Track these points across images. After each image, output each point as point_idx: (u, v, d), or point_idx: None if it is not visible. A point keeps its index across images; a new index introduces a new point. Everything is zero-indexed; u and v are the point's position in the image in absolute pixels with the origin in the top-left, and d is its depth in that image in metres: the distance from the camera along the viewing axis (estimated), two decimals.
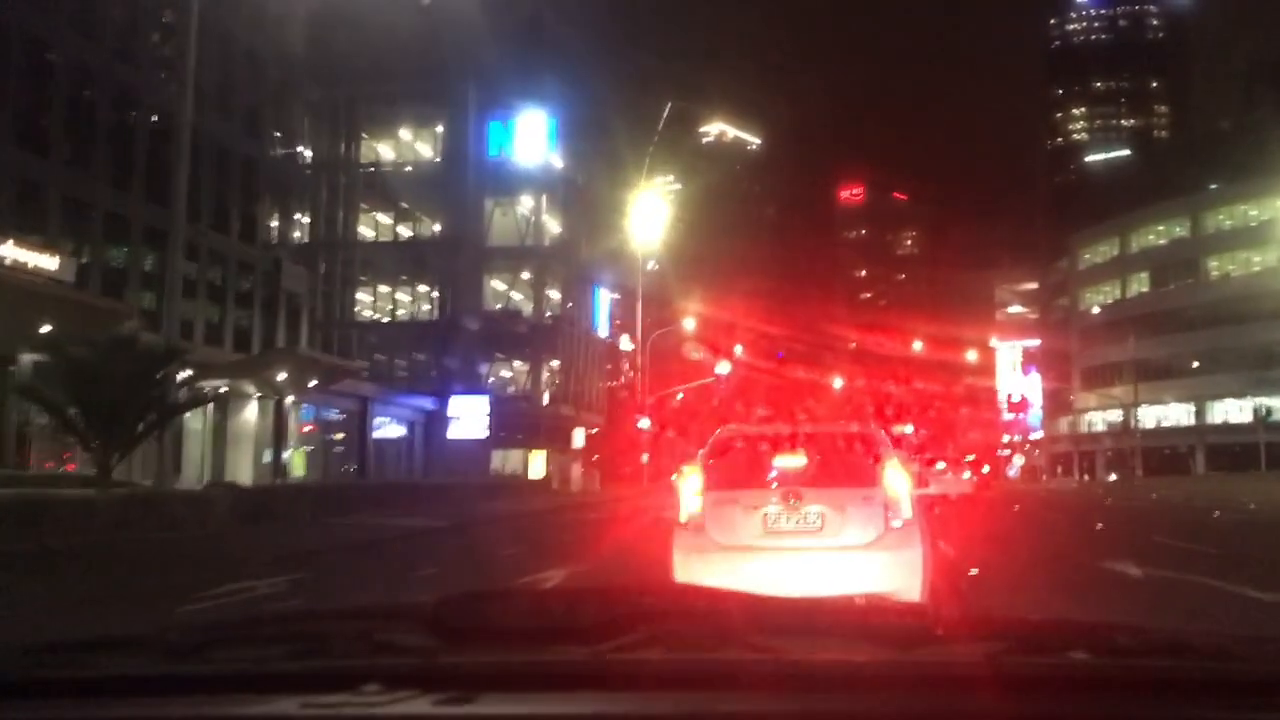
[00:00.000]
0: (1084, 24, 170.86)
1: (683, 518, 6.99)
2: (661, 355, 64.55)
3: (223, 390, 32.72)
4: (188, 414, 31.28)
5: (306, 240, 51.74)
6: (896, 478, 6.80)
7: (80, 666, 1.53)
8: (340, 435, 43.25)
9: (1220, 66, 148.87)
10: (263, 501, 21.32)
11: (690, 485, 7.08)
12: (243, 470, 34.46)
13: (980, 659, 1.36)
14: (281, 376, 32.85)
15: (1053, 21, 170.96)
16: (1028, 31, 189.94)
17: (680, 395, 64.41)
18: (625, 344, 60.88)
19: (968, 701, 1.27)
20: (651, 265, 77.37)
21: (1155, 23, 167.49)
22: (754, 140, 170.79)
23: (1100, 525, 18.56)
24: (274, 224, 50.20)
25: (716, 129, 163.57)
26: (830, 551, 6.51)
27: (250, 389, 34.42)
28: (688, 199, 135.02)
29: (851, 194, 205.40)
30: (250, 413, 35.22)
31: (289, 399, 35.98)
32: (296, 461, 41.66)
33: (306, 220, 51.86)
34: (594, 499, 39.26)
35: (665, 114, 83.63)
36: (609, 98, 58.10)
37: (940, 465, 33.27)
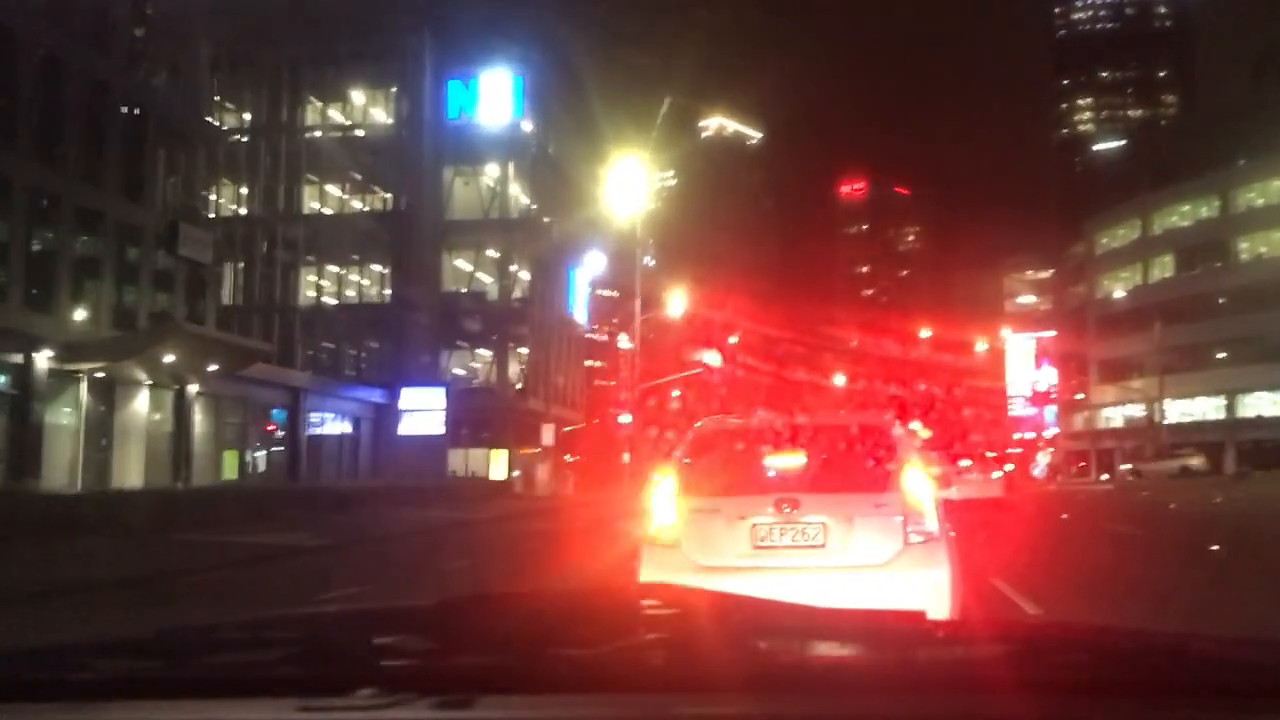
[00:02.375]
0: (1090, 13, 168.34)
1: (652, 530, 5.85)
2: (655, 350, 59.80)
3: (99, 375, 27.26)
4: (48, 405, 25.92)
5: (244, 214, 46.51)
6: (918, 481, 5.71)
7: (77, 669, 1.49)
8: (267, 431, 37.70)
9: (1228, 55, 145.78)
10: (67, 513, 15.80)
11: (662, 490, 5.92)
12: (132, 472, 28.95)
13: (981, 661, 1.35)
14: (169, 358, 27.38)
15: (1058, 10, 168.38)
16: (1033, 21, 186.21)
17: (677, 393, 59.68)
18: (624, 343, 55.97)
19: (969, 704, 1.26)
20: (648, 261, 73.08)
21: (1162, 10, 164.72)
22: (754, 134, 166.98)
23: (1216, 546, 13.05)
24: (217, 195, 45.95)
25: (715, 123, 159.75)
26: (835, 572, 5.43)
27: (140, 375, 28.93)
28: (685, 194, 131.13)
29: (853, 189, 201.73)
30: (141, 404, 29.69)
31: (192, 388, 30.59)
32: (227, 462, 36.57)
33: (244, 192, 46.66)
34: (556, 504, 33.84)
35: (664, 109, 78.53)
36: (585, 58, 52.59)
37: (965, 463, 27.57)
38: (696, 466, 6.13)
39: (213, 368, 29.06)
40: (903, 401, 76.21)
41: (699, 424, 6.70)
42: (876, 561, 5.47)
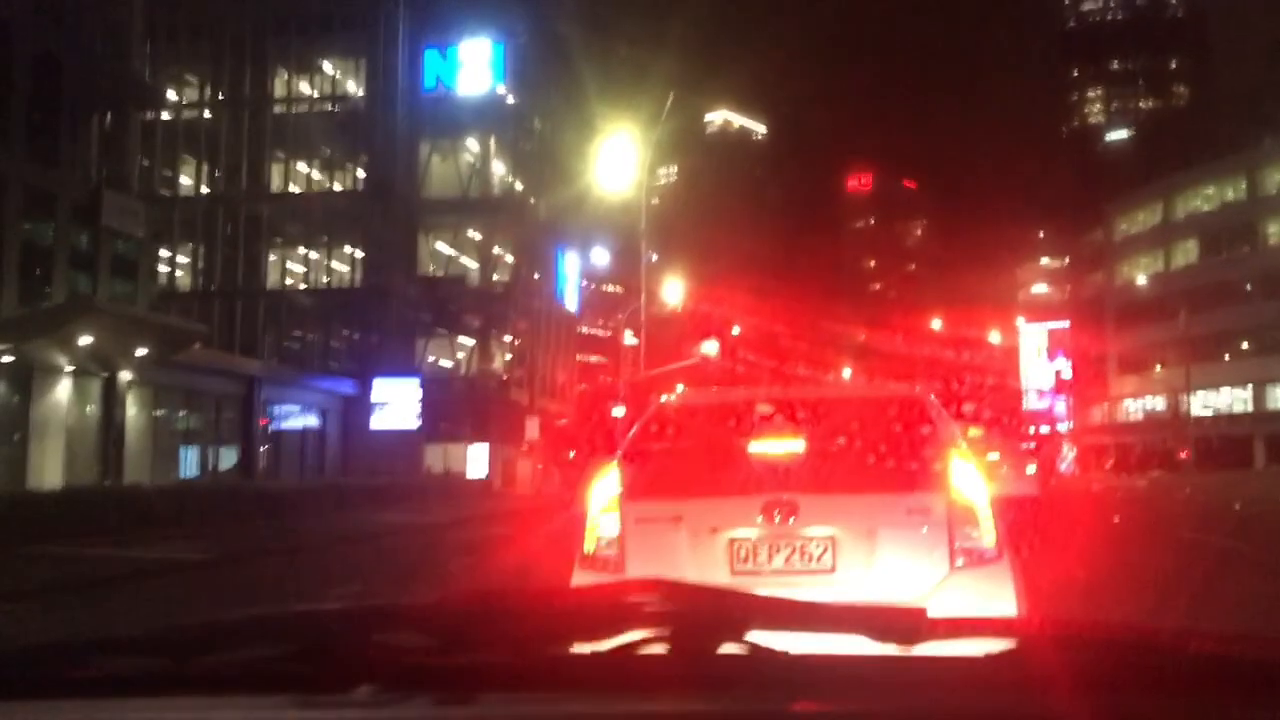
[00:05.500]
0: (1100, 2, 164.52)
1: (588, 547, 4.38)
2: (657, 346, 56.91)
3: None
4: None
5: (205, 192, 43.32)
6: (968, 475, 4.24)
7: (78, 666, 1.46)
8: (218, 426, 34.42)
9: (1242, 43, 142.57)
10: None
11: (602, 493, 4.44)
12: (51, 469, 25.72)
13: (981, 657, 1.36)
14: (87, 340, 24.10)
15: (1068, 1, 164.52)
16: (1042, 11, 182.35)
17: (681, 387, 56.68)
18: (629, 339, 53.14)
19: (969, 699, 1.26)
20: (653, 258, 70.35)
21: (1174, 0, 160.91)
22: (759, 128, 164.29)
23: None
24: (174, 172, 42.74)
25: (720, 117, 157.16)
26: None
27: (59, 360, 25.66)
28: (689, 189, 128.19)
29: (859, 183, 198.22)
30: (62, 393, 26.43)
31: (123, 376, 27.31)
32: (186, 460, 33.43)
33: (205, 168, 43.47)
34: (532, 505, 30.52)
35: (668, 104, 75.62)
36: (574, 29, 49.09)
37: (993, 456, 23.98)
38: (653, 458, 4.67)
39: (142, 352, 25.77)
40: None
41: (662, 399, 5.27)
42: (911, 594, 4.07)
